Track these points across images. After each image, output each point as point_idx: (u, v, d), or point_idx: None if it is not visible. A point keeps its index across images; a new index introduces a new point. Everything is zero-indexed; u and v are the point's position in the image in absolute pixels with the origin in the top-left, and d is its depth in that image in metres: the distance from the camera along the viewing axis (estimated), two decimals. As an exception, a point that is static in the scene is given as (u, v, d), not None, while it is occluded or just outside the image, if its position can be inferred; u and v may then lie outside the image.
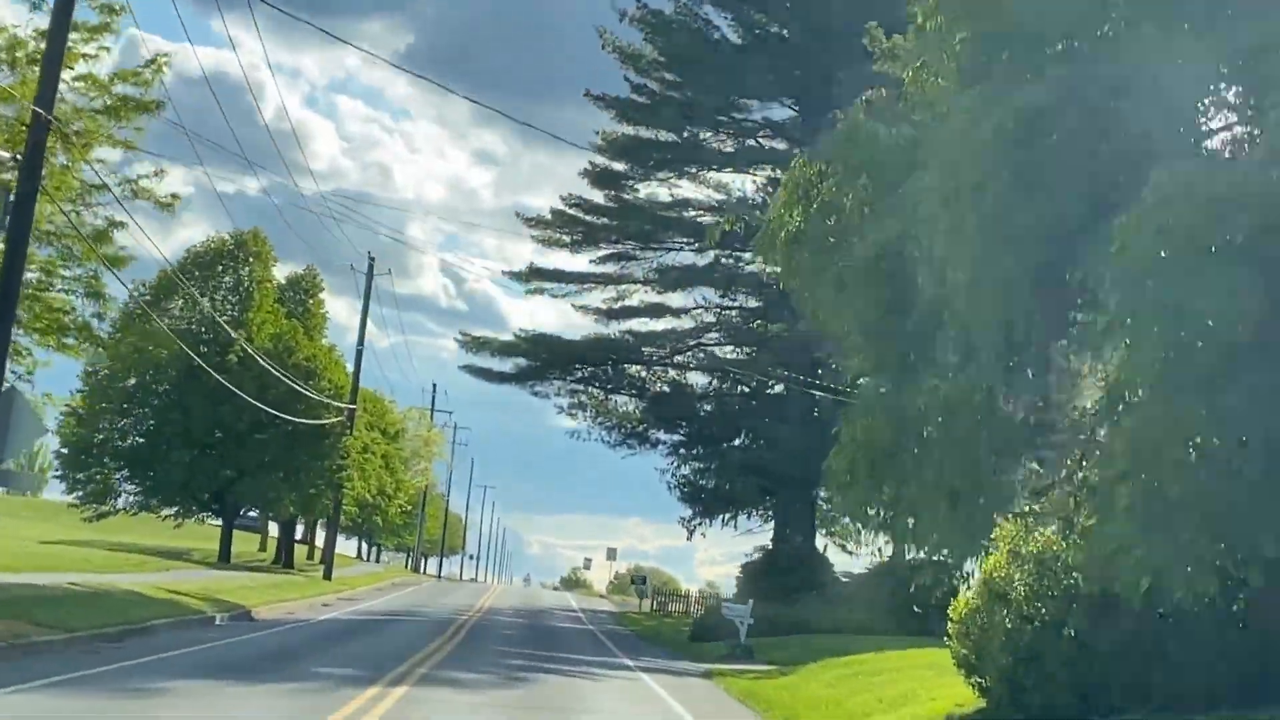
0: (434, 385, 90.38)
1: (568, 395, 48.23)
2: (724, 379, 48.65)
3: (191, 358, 56.70)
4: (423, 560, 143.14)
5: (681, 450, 52.27)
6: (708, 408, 49.05)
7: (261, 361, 55.97)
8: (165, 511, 62.46)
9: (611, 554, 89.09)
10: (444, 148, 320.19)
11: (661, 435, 51.77)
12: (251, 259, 60.19)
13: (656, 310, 47.68)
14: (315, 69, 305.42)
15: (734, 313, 48.00)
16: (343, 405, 58.74)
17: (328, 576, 57.83)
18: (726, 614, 35.98)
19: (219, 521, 76.73)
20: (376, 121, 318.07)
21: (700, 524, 68.05)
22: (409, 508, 79.72)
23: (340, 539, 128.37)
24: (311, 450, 58.76)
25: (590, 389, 48.35)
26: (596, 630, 44.31)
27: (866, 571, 45.23)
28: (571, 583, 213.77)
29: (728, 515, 67.52)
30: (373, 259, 60.44)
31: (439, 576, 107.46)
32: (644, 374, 48.52)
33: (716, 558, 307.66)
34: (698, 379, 49.28)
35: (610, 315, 47.76)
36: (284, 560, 65.91)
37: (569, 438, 51.61)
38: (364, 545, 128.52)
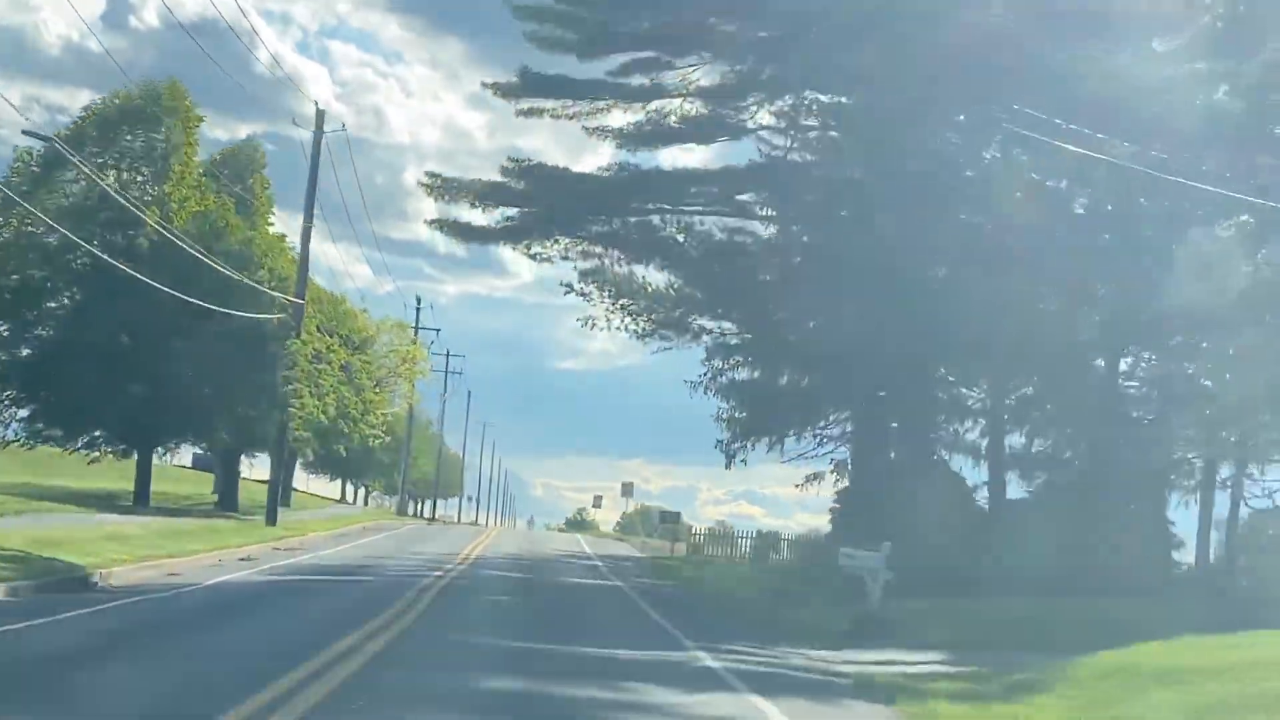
0: (418, 299, 76.48)
1: (578, 258, 34.18)
2: (798, 230, 34.37)
3: (92, 245, 43.18)
4: (416, 503, 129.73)
5: (735, 340, 38.41)
6: (772, 276, 34.80)
7: (180, 244, 42.33)
8: (73, 446, 48.89)
9: (627, 489, 75.69)
10: (437, 91, 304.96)
11: (705, 322, 37.90)
12: (167, 118, 46.13)
13: (703, 131, 33.25)
14: (306, 14, 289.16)
15: (811, 134, 33.59)
16: (287, 298, 44.84)
17: (271, 521, 44.19)
18: (848, 565, 22.24)
19: (167, 458, 63.88)
20: (370, 65, 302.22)
21: (744, 447, 54.53)
22: (386, 438, 66.03)
23: (324, 481, 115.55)
24: (248, 359, 44.96)
25: (610, 252, 34.19)
26: (627, 588, 30.63)
27: (1030, 496, 31.41)
28: (577, 524, 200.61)
29: (781, 435, 53.94)
30: (321, 111, 46.33)
31: (431, 519, 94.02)
32: (682, 235, 34.28)
33: (720, 497, 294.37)
34: (756, 236, 35.02)
35: (637, 141, 33.45)
36: (226, 502, 52.25)
37: (579, 329, 37.58)
38: (350, 487, 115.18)
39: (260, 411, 45.57)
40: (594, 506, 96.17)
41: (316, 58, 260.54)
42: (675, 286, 36.73)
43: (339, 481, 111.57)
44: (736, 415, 54.69)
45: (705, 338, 37.74)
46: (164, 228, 43.52)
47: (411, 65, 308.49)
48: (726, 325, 38.13)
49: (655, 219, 33.93)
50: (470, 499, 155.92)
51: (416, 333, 74.41)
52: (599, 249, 33.57)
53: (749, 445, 55.00)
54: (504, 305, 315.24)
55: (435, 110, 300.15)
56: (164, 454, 54.76)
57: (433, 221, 33.23)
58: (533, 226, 32.63)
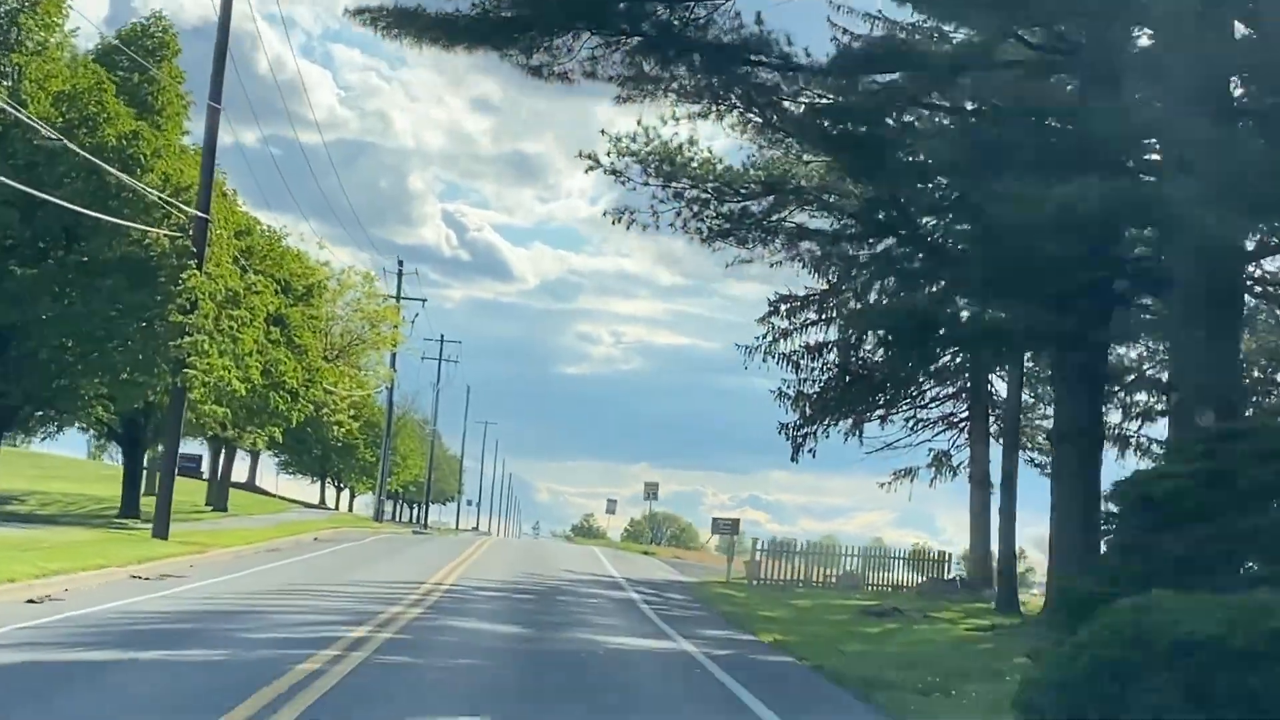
0: (399, 261, 61.77)
1: (614, 77, 19.46)
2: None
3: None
4: (412, 508, 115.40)
5: (863, 239, 24.11)
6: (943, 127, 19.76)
7: (34, 127, 28.67)
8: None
9: (651, 490, 61.23)
10: (441, 95, 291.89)
11: (806, 217, 23.64)
12: (19, -39, 31.95)
13: None
14: (309, 17, 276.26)
15: None
16: (183, 209, 30.67)
17: (160, 532, 29.94)
18: None
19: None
20: (374, 70, 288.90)
21: (813, 434, 40.44)
22: (353, 424, 51.60)
23: (305, 483, 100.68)
24: (129, 298, 30.82)
25: (666, 73, 19.38)
26: (712, 664, 16.12)
27: None
28: (584, 531, 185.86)
29: (867, 412, 39.75)
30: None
31: (420, 527, 79.63)
32: (780, 75, 19.51)
33: (725, 503, 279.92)
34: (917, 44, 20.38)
35: None
36: (128, 505, 37.93)
37: (600, 221, 23.36)
38: (336, 491, 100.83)
39: (150, 371, 31.24)
40: (608, 512, 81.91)
41: (320, 62, 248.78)
42: (759, 165, 22.35)
43: (326, 485, 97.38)
44: (806, 390, 40.74)
45: (805, 245, 23.23)
46: (11, 107, 29.46)
47: (415, 69, 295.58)
48: (841, 224, 23.45)
49: (738, 49, 19.21)
50: (470, 504, 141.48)
51: (399, 300, 59.93)
52: (650, 65, 18.96)
53: (825, 428, 41.06)
54: (509, 310, 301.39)
55: (439, 114, 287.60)
56: (44, 439, 40.72)
57: (358, 11, 18.78)
58: (534, 14, 18.02)
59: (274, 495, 78.25)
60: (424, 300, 62.37)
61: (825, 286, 40.15)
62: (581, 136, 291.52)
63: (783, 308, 39.76)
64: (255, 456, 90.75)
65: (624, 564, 41.87)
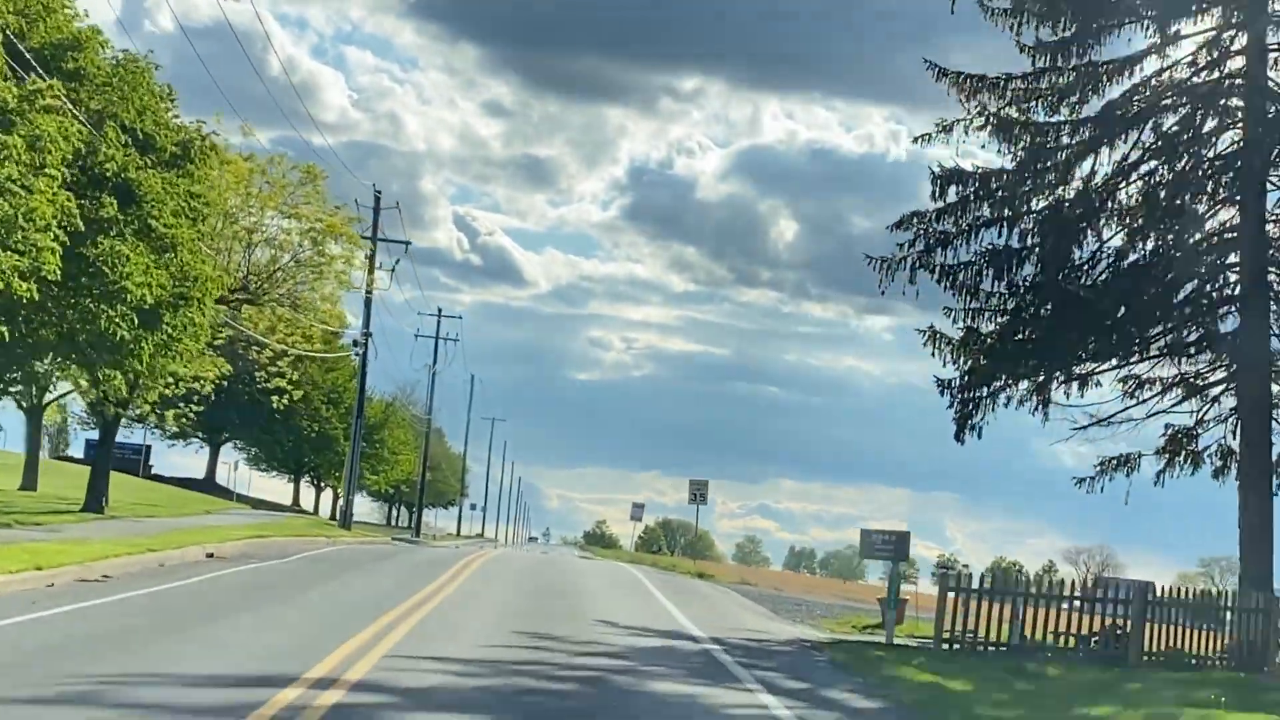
0: (377, 194, 45.94)
1: None
2: None
3: None
4: (408, 511, 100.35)
5: None
6: None
7: None
8: None
9: (699, 490, 45.90)
10: (453, 98, 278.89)
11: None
12: None
13: None
14: (321, 19, 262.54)
15: None
16: None
17: None
18: None
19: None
20: (386, 72, 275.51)
21: (990, 399, 25.53)
22: (296, 391, 36.32)
23: (281, 480, 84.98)
24: None
25: None
26: None
27: None
28: (597, 538, 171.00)
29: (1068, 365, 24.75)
30: None
31: (411, 534, 64.27)
32: None
33: (735, 511, 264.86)
34: None
35: None
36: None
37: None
38: (312, 488, 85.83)
39: None
40: (633, 519, 67.14)
41: (332, 63, 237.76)
42: None
43: (303, 483, 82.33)
44: (979, 327, 25.81)
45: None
46: None
47: (427, 71, 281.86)
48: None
49: None
50: (474, 508, 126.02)
51: (375, 243, 44.56)
52: None
53: (1004, 387, 26.05)
54: (521, 315, 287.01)
55: (451, 118, 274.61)
56: None
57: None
58: None
59: (234, 496, 63.26)
60: (408, 244, 46.92)
61: (1013, 163, 25.05)
62: (594, 141, 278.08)
63: (950, 190, 24.58)
64: (215, 450, 75.68)
65: (689, 600, 26.50)
